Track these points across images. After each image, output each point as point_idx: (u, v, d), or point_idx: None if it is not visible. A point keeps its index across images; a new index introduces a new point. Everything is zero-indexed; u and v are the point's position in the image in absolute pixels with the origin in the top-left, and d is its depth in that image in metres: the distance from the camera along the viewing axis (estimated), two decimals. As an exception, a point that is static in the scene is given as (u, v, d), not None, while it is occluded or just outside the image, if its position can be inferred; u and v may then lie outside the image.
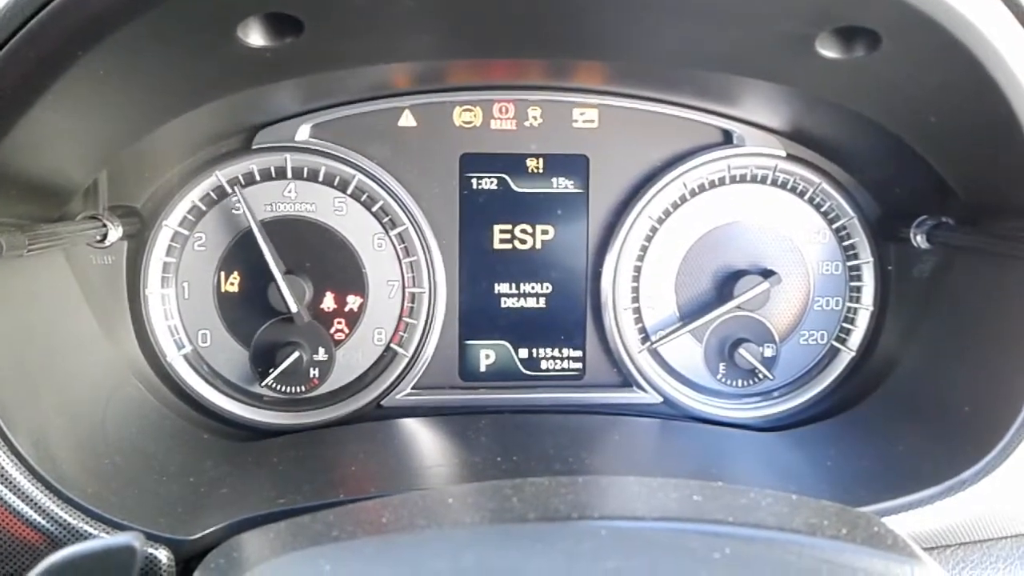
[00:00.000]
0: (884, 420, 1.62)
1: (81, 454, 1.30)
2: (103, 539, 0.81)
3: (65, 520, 1.15)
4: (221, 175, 1.67)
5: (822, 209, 1.80)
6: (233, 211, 1.69)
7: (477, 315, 1.80)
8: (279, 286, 1.64)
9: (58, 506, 1.16)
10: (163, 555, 1.16)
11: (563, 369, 1.83)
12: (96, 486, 1.23)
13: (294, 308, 1.64)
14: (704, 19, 1.25)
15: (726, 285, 1.78)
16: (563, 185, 1.79)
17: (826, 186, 1.78)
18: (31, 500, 1.15)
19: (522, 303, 1.80)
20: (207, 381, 1.71)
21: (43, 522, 1.15)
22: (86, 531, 1.16)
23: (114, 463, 1.32)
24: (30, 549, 1.15)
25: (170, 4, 1.02)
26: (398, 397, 1.76)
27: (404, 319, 1.76)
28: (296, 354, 1.68)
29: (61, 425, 1.31)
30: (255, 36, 1.18)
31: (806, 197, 1.80)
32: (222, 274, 1.71)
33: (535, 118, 1.77)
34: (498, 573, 0.75)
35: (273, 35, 1.18)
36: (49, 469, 1.18)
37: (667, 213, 1.79)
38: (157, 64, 1.19)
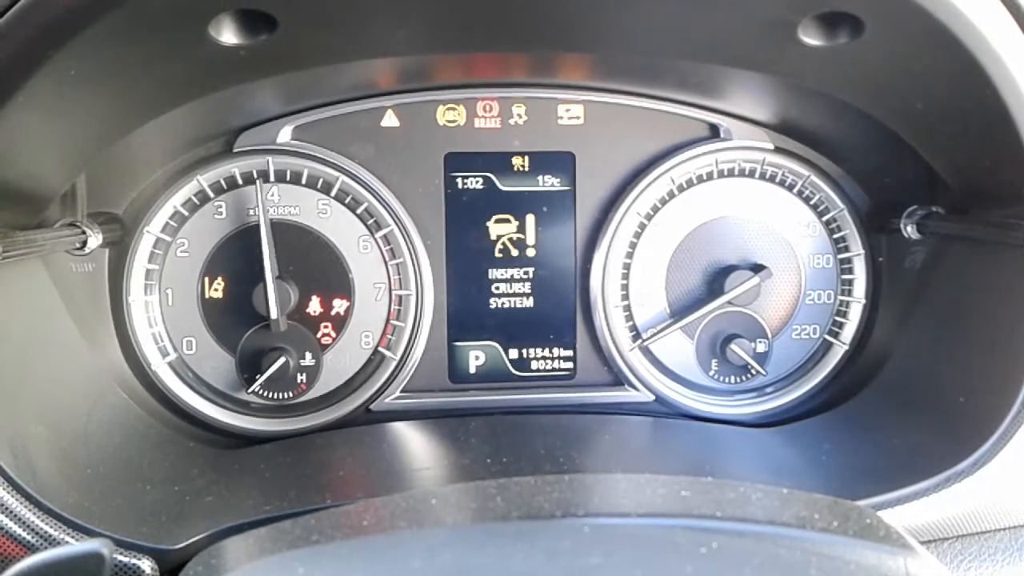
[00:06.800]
0: (879, 413, 1.61)
1: (63, 463, 1.28)
2: (69, 546, 0.79)
3: (45, 531, 1.14)
4: (203, 179, 1.65)
5: (811, 202, 1.79)
6: (215, 216, 1.67)
7: (465, 316, 1.78)
8: (267, 289, 1.62)
9: (38, 516, 1.14)
10: (147, 565, 1.14)
11: (554, 369, 1.81)
12: (78, 496, 1.21)
13: (274, 315, 1.62)
14: (686, 5, 1.24)
15: (716, 281, 1.77)
16: (549, 183, 1.77)
17: (815, 178, 1.76)
18: (9, 510, 1.13)
19: (511, 303, 1.79)
20: (193, 388, 1.69)
21: (22, 533, 1.13)
22: (67, 542, 1.14)
23: (97, 472, 1.30)
24: (8, 561, 1.13)
25: (137, 2, 1.00)
26: (387, 401, 1.74)
27: (391, 322, 1.74)
28: (282, 359, 1.66)
29: (42, 434, 1.29)
30: (228, 34, 1.16)
31: (795, 190, 1.78)
32: (206, 280, 1.69)
33: (520, 116, 1.75)
34: (476, 572, 0.73)
35: (246, 33, 1.17)
36: (28, 479, 1.16)
37: (655, 209, 1.77)
38: (129, 64, 1.17)
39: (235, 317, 1.69)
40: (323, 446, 1.61)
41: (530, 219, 1.77)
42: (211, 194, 1.67)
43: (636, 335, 1.79)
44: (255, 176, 1.68)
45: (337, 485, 1.41)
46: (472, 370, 1.79)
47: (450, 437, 1.60)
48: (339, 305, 1.72)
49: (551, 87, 1.74)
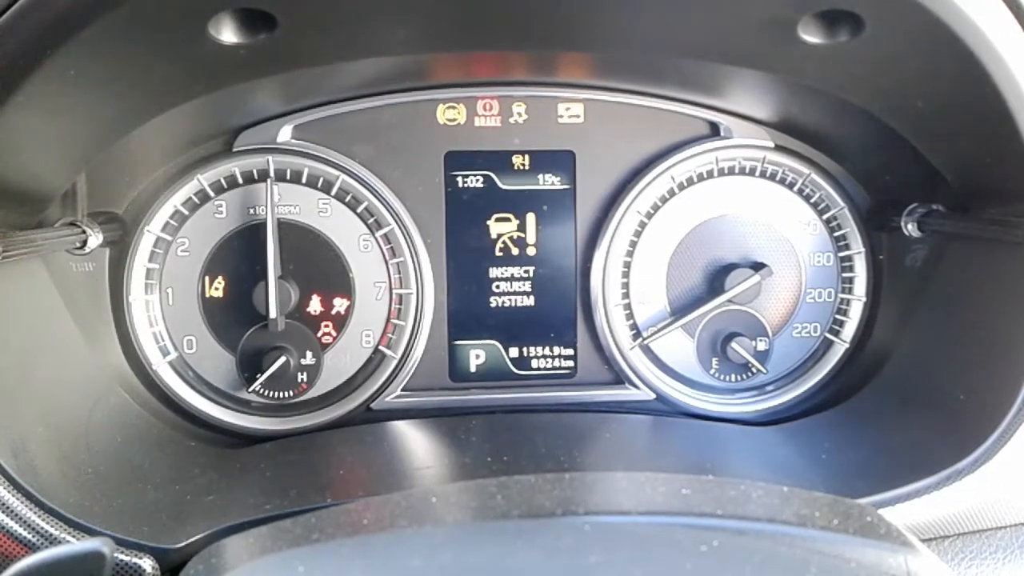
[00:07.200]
0: (879, 411, 1.61)
1: (63, 463, 1.28)
2: (70, 545, 0.79)
3: (46, 530, 1.14)
4: (203, 179, 1.65)
5: (812, 200, 1.79)
6: (216, 215, 1.67)
7: (466, 315, 1.78)
8: (269, 288, 1.62)
9: (39, 516, 1.14)
10: (147, 564, 1.14)
11: (554, 367, 1.81)
12: (79, 495, 1.21)
13: (273, 313, 1.62)
14: (686, 4, 1.24)
15: (717, 279, 1.76)
16: (549, 182, 1.77)
17: (815, 176, 1.76)
18: (10, 509, 1.13)
19: (511, 302, 1.78)
20: (193, 388, 1.69)
21: (23, 532, 1.13)
22: (67, 541, 1.14)
23: (98, 472, 1.30)
24: (9, 560, 1.13)
25: (137, 1, 1.00)
26: (388, 400, 1.74)
27: (392, 321, 1.74)
28: (283, 359, 1.66)
29: (42, 434, 1.29)
30: (227, 33, 1.16)
31: (795, 188, 1.78)
32: (206, 279, 1.69)
33: (520, 114, 1.75)
34: (475, 570, 0.73)
35: (246, 32, 1.17)
36: (29, 479, 1.16)
37: (655, 208, 1.77)
38: (129, 64, 1.17)
39: (235, 316, 1.69)
40: (324, 445, 1.61)
41: (530, 218, 1.77)
42: (211, 193, 1.67)
43: (637, 333, 1.79)
44: (255, 176, 1.68)
45: (338, 484, 1.42)
46: (473, 369, 1.79)
47: (451, 436, 1.60)
48: (340, 304, 1.72)
49: (551, 85, 1.74)
